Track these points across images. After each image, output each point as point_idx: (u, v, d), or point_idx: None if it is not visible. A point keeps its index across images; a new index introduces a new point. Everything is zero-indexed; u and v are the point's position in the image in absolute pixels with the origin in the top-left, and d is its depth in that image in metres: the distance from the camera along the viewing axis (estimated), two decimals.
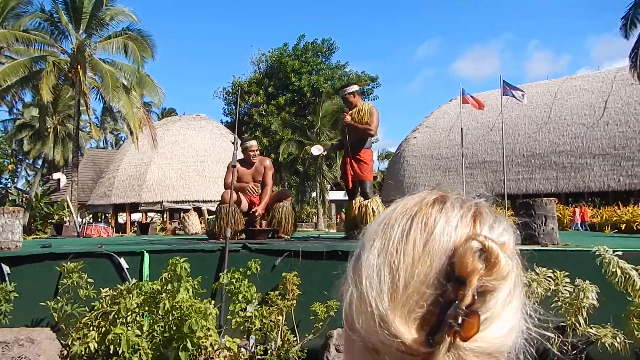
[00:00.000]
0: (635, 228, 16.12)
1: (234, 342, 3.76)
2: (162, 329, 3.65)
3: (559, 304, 3.86)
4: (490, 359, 0.42)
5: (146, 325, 3.74)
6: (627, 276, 3.71)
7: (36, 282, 4.63)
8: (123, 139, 40.15)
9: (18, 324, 4.33)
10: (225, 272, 4.23)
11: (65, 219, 16.78)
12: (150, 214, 27.65)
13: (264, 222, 6.36)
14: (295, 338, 4.16)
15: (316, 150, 6.40)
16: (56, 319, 4.20)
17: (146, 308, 3.83)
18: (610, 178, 22.26)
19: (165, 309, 3.59)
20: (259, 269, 4.21)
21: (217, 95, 38.14)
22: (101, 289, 4.14)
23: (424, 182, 25.95)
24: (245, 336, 4.04)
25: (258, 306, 4.04)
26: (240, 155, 6.55)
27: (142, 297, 3.81)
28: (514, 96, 13.94)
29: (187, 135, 25.95)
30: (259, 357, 4.02)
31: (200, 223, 14.19)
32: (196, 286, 3.89)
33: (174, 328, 3.56)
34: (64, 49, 19.44)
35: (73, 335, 3.88)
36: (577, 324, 3.80)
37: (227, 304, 4.17)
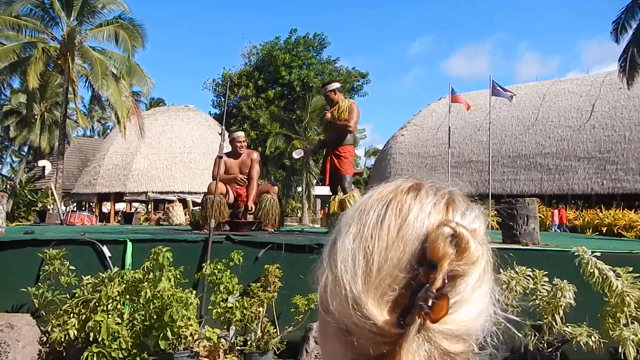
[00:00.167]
0: (616, 231, 16.40)
1: (214, 332, 3.77)
2: (143, 318, 3.64)
3: (537, 302, 3.93)
4: (459, 341, 0.44)
5: (127, 313, 3.73)
6: (605, 277, 3.78)
7: (18, 268, 4.59)
8: (110, 128, 39.75)
9: None
10: (208, 262, 4.23)
11: (48, 207, 16.58)
12: (135, 204, 27.43)
13: (249, 216, 6.35)
14: (275, 330, 4.18)
15: (296, 154, 6.49)
16: (37, 306, 4.17)
17: (127, 296, 3.82)
18: (594, 181, 22.58)
19: (147, 297, 3.58)
20: (241, 261, 4.22)
21: (207, 87, 37.87)
22: (83, 276, 4.13)
23: None
24: (225, 327, 4.05)
25: (239, 297, 4.05)
26: (228, 147, 6.53)
27: (124, 286, 3.80)
28: (503, 96, 14.04)
29: (175, 126, 25.76)
30: (239, 347, 4.03)
31: (185, 214, 14.13)
32: (178, 276, 3.89)
33: (155, 317, 3.56)
34: (54, 35, 19.16)
35: (53, 321, 3.86)
36: (554, 323, 3.87)
37: (208, 295, 4.17)
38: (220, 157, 5.71)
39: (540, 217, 7.56)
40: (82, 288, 4.03)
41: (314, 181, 26.07)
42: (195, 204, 16.24)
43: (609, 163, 22.39)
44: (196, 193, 21.73)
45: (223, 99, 34.60)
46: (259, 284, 4.25)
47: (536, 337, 3.93)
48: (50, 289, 4.16)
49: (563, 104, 25.34)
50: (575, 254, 3.97)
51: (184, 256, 4.45)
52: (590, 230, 16.86)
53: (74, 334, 3.72)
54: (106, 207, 27.21)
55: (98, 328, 3.55)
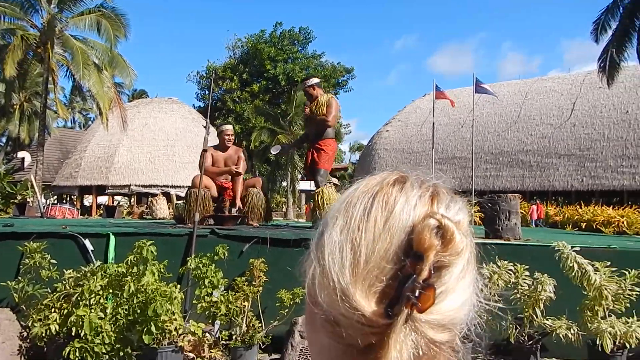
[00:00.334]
0: (595, 227, 16.72)
1: (198, 326, 3.75)
2: (126, 312, 3.61)
3: (518, 296, 4.00)
4: (444, 331, 0.44)
5: (110, 307, 3.69)
6: (584, 271, 3.87)
7: None
8: (92, 119, 39.10)
9: None
10: (192, 256, 4.20)
11: (28, 199, 16.25)
12: (118, 198, 27.08)
13: (233, 210, 6.33)
14: (260, 324, 4.18)
15: (274, 150, 6.51)
16: (17, 300, 4.10)
17: (110, 291, 3.78)
18: (574, 178, 23.00)
19: (130, 291, 3.55)
20: (226, 255, 4.20)
21: (191, 80, 37.48)
22: (64, 270, 4.06)
23: None
24: (210, 321, 4.03)
25: (224, 292, 4.03)
26: (215, 141, 6.49)
27: (107, 280, 3.75)
28: (486, 93, 14.17)
29: (158, 119, 25.44)
30: (224, 342, 4.03)
31: (169, 208, 14.00)
32: (162, 270, 3.85)
33: (138, 311, 3.53)
34: (33, 23, 18.72)
35: (34, 316, 3.80)
36: (535, 316, 3.94)
37: (193, 289, 4.15)
38: (205, 151, 5.67)
39: (521, 212, 7.68)
40: (64, 282, 3.97)
41: (299, 176, 26.05)
42: (179, 197, 16.10)
43: (589, 160, 22.82)
44: (180, 187, 21.53)
45: (207, 92, 34.29)
46: (244, 278, 4.24)
47: (517, 330, 4.00)
48: (30, 283, 4.09)
49: (545, 102, 25.71)
50: (556, 248, 4.05)
51: (168, 250, 4.42)
52: (570, 226, 17.16)
53: (55, 329, 3.66)
54: (88, 200, 26.80)
55: (80, 323, 3.51)
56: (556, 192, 23.58)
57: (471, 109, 18.06)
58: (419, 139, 28.05)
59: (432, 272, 0.42)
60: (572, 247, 4.06)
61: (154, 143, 24.29)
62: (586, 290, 3.90)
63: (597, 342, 3.73)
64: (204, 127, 5.64)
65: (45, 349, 3.87)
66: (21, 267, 4.27)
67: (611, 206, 18.67)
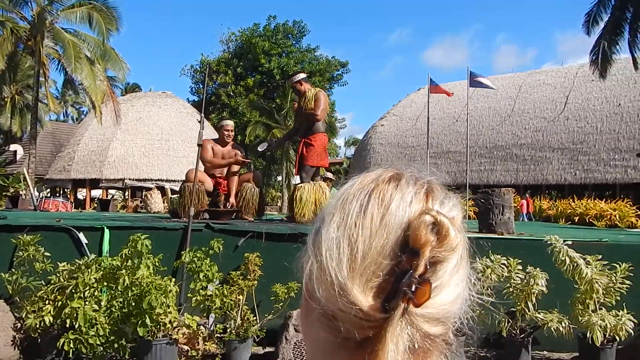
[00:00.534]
0: (587, 221, 16.87)
1: (193, 319, 3.77)
2: (121, 305, 3.62)
3: (511, 290, 4.04)
4: (438, 324, 0.46)
5: (104, 300, 3.70)
6: (575, 264, 3.91)
7: None
8: (85, 112, 38.85)
9: None
10: (187, 250, 4.21)
11: (21, 192, 16.17)
12: (111, 191, 26.98)
13: (228, 205, 6.33)
14: (255, 317, 4.20)
15: (261, 147, 6.52)
16: (10, 292, 4.10)
17: (105, 283, 3.78)
18: (567, 172, 23.14)
19: (125, 284, 3.56)
20: (221, 249, 4.21)
21: (185, 73, 37.23)
22: (58, 263, 4.06)
23: None
24: (205, 314, 4.05)
25: (219, 285, 4.05)
26: (209, 135, 6.49)
27: (101, 273, 3.75)
28: (482, 85, 14.16)
29: (152, 113, 25.32)
30: (218, 335, 4.05)
31: (163, 202, 13.98)
32: (157, 263, 3.86)
33: (133, 304, 3.54)
34: (23, 15, 18.51)
35: (28, 308, 3.80)
36: (527, 309, 3.99)
37: (187, 283, 4.16)
38: (200, 145, 5.66)
39: (515, 206, 7.75)
40: (58, 275, 3.97)
41: (294, 170, 26.00)
42: (173, 191, 16.07)
43: (582, 154, 22.96)
44: (174, 181, 21.47)
45: (202, 86, 34.15)
46: (238, 272, 4.26)
47: (509, 323, 4.05)
48: (24, 275, 4.09)
49: (538, 95, 25.80)
50: (548, 242, 4.09)
51: (162, 244, 4.42)
52: (563, 220, 17.30)
53: (49, 321, 3.67)
54: (81, 193, 26.69)
55: (75, 315, 3.51)
56: (550, 185, 23.73)
57: (466, 102, 18.09)
58: (414, 133, 28.09)
59: (428, 267, 0.43)
60: (564, 241, 4.10)
61: (148, 137, 24.19)
62: (577, 284, 3.94)
63: (588, 335, 3.78)
64: (199, 121, 5.63)
65: (39, 340, 3.88)
66: (15, 259, 4.27)
67: (604, 199, 18.82)
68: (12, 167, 26.47)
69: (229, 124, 6.50)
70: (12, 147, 30.29)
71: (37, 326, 3.69)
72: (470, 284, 0.49)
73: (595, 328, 3.72)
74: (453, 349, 0.50)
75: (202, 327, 3.96)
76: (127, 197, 23.92)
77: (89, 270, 3.77)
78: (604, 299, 3.92)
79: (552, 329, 3.88)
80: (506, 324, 4.02)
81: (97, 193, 25.88)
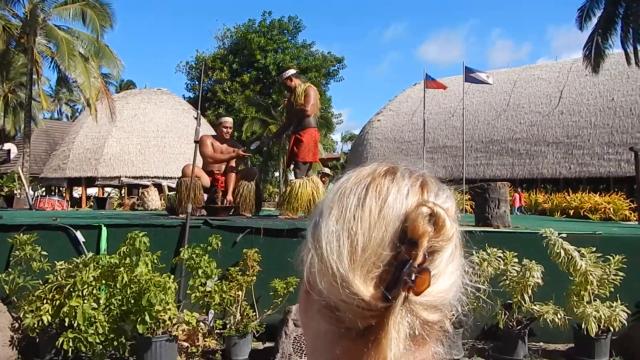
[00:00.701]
0: (582, 214, 16.97)
1: (193, 316, 3.78)
2: (120, 303, 3.63)
3: (507, 282, 4.08)
4: (436, 311, 0.47)
5: (103, 298, 3.70)
6: (570, 257, 3.95)
7: None
8: (79, 110, 38.64)
9: None
10: (185, 247, 4.22)
11: (15, 191, 16.09)
12: (108, 189, 26.88)
13: (225, 200, 6.33)
14: (254, 313, 4.22)
15: (253, 146, 6.52)
16: (7, 292, 4.09)
17: (103, 281, 3.79)
18: (562, 166, 23.23)
19: (124, 282, 3.56)
20: (219, 245, 4.22)
21: (180, 70, 37.10)
22: (56, 262, 4.06)
23: None
24: (204, 311, 4.07)
25: (218, 281, 4.06)
26: (205, 132, 6.50)
27: (99, 271, 3.76)
28: (477, 81, 14.17)
29: (148, 110, 25.18)
30: (218, 331, 4.06)
31: (160, 199, 13.96)
32: (155, 261, 3.87)
33: (132, 301, 3.55)
34: (15, 12, 18.36)
35: (25, 307, 3.80)
36: (523, 302, 4.03)
37: (186, 279, 4.17)
38: (196, 142, 5.66)
39: (510, 200, 7.80)
40: (56, 274, 3.97)
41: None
42: (170, 189, 16.04)
43: (576, 148, 23.05)
44: (171, 178, 21.39)
45: (197, 83, 34.00)
46: (237, 268, 4.27)
47: (506, 315, 4.09)
48: (21, 275, 4.08)
49: (533, 90, 25.86)
50: (543, 235, 4.13)
51: (160, 241, 4.42)
52: (559, 213, 17.40)
53: (47, 320, 3.67)
54: (77, 192, 26.57)
55: (73, 313, 3.52)
56: (545, 179, 23.83)
57: (461, 97, 18.12)
58: (410, 128, 28.11)
59: (426, 256, 0.45)
60: (559, 233, 4.14)
61: (144, 134, 24.08)
62: (572, 276, 3.99)
63: (583, 326, 3.82)
64: (195, 118, 5.63)
65: (37, 339, 3.88)
66: (11, 259, 4.26)
67: (598, 193, 18.92)
68: (6, 166, 26.36)
69: (228, 121, 6.50)
70: (6, 146, 30.10)
71: (35, 326, 3.69)
72: (464, 272, 0.51)
73: (590, 319, 3.77)
74: (449, 335, 0.51)
75: (201, 324, 3.98)
76: (123, 195, 23.83)
77: (87, 268, 3.77)
78: (598, 291, 3.96)
79: (547, 320, 3.93)
80: (503, 316, 4.06)
81: (93, 191, 25.77)
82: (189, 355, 3.93)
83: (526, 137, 24.50)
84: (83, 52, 18.67)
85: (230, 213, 6.15)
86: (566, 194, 19.37)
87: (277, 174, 27.81)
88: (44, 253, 4.19)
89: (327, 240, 0.49)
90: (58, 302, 3.73)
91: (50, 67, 19.98)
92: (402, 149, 27.56)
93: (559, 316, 3.92)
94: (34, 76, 18.74)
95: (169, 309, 3.61)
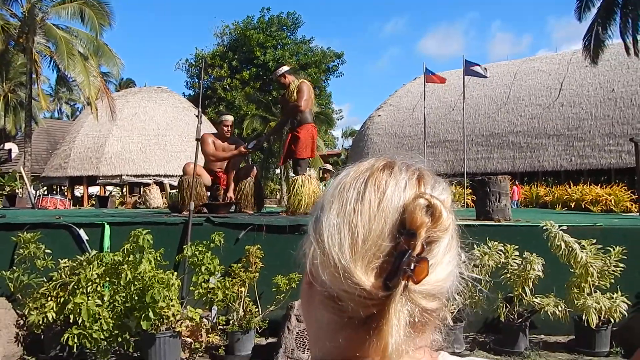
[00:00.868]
0: (583, 206, 16.97)
1: (196, 312, 3.81)
2: (124, 299, 3.66)
3: (508, 275, 4.10)
4: (434, 300, 0.50)
5: (107, 295, 3.73)
6: (570, 249, 3.97)
7: None
8: (79, 109, 38.64)
9: None
10: (188, 244, 4.24)
11: (17, 191, 16.13)
12: (109, 188, 26.93)
13: (227, 197, 6.35)
14: (257, 309, 4.25)
15: (250, 145, 6.51)
16: (12, 289, 4.13)
17: (107, 279, 3.82)
18: (563, 158, 23.20)
19: (127, 279, 3.59)
20: (222, 242, 4.25)
21: (179, 68, 37.07)
22: (59, 260, 4.09)
23: None
24: (207, 307, 4.09)
25: (221, 278, 4.09)
26: (206, 130, 6.51)
27: (103, 268, 3.79)
28: (477, 74, 14.17)
29: (148, 108, 25.19)
30: (221, 327, 4.09)
31: (162, 197, 13.99)
32: (158, 258, 3.90)
33: (136, 298, 3.58)
34: (13, 12, 18.34)
35: (30, 305, 3.84)
36: (524, 294, 4.05)
37: (189, 276, 4.20)
38: (198, 140, 5.67)
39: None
40: (60, 271, 4.01)
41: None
42: (172, 187, 16.07)
43: (577, 140, 23.01)
44: (172, 176, 21.42)
45: (197, 80, 33.96)
46: (240, 265, 4.30)
47: (507, 308, 4.11)
48: (25, 273, 4.12)
49: (533, 82, 25.78)
50: (544, 228, 4.15)
51: (163, 239, 4.45)
52: (560, 206, 17.40)
53: (52, 317, 3.71)
54: (78, 190, 26.62)
55: (78, 310, 3.55)
56: (546, 172, 23.81)
57: (461, 91, 18.09)
58: (411, 122, 28.07)
59: (425, 246, 0.47)
60: (559, 226, 4.16)
61: (145, 132, 24.09)
62: (573, 268, 4.00)
63: (583, 318, 3.85)
64: (196, 116, 5.64)
65: (42, 336, 3.92)
66: (15, 257, 4.29)
67: (599, 185, 18.91)
68: (8, 166, 26.39)
69: (229, 118, 6.50)
70: (7, 145, 30.11)
71: (40, 322, 3.72)
72: (460, 261, 0.53)
73: (591, 311, 3.79)
74: (447, 324, 0.54)
75: (204, 320, 4.00)
76: (125, 194, 23.88)
77: (91, 266, 3.80)
78: (598, 282, 3.99)
79: (548, 313, 3.95)
80: (504, 309, 4.08)
81: (94, 190, 25.82)
82: (193, 351, 3.96)
83: (527, 129, 24.45)
84: (82, 51, 18.65)
85: (231, 210, 6.17)
86: (567, 186, 19.37)
87: (278, 171, 27.80)
88: (48, 251, 4.23)
89: (329, 233, 0.51)
90: (62, 299, 3.77)
91: (49, 66, 20.00)
92: (403, 144, 27.54)
93: (559, 308, 3.94)
94: (34, 76, 18.74)
95: (173, 306, 3.65)
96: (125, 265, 3.69)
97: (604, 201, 17.11)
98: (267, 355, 3.94)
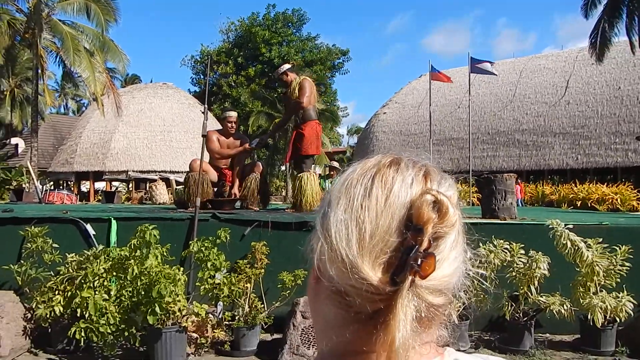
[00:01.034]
0: (589, 205, 16.88)
1: (202, 307, 3.83)
2: (130, 294, 3.68)
3: (514, 274, 4.09)
4: (441, 295, 0.50)
5: (114, 290, 3.76)
6: (576, 248, 3.95)
7: None
8: (85, 105, 38.80)
9: None
10: (194, 240, 4.26)
11: (24, 185, 16.24)
12: (115, 183, 27.05)
13: (232, 193, 6.37)
14: (262, 305, 4.27)
15: (253, 143, 6.51)
16: (20, 283, 4.17)
17: (114, 273, 3.85)
18: (569, 156, 23.08)
19: (134, 274, 3.62)
20: (228, 238, 4.26)
21: (185, 64, 37.14)
22: (67, 254, 4.12)
23: None
24: (213, 302, 4.11)
25: (227, 274, 4.11)
26: (211, 126, 6.52)
27: (110, 263, 3.82)
28: (483, 71, 14.09)
29: (154, 104, 25.27)
30: (227, 322, 4.11)
31: (168, 193, 14.03)
32: (165, 253, 3.92)
33: (142, 293, 3.60)
34: (19, 7, 18.40)
35: (38, 298, 3.88)
36: (529, 293, 4.04)
37: (195, 272, 4.22)
38: (204, 136, 5.68)
39: None
40: (67, 265, 4.04)
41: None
42: (178, 183, 16.11)
43: (583, 138, 22.88)
44: (178, 172, 21.50)
45: (202, 77, 34.00)
46: (246, 261, 4.31)
47: (512, 307, 4.11)
48: (33, 267, 4.15)
49: (539, 80, 25.64)
50: (550, 227, 4.13)
51: (169, 234, 4.47)
52: (566, 205, 17.31)
53: (59, 311, 3.74)
54: (85, 186, 26.77)
55: (85, 304, 3.59)
56: (552, 170, 23.68)
57: (467, 89, 18.02)
58: (416, 120, 27.99)
59: (431, 242, 0.48)
60: (565, 224, 4.14)
61: (150, 128, 24.18)
62: (579, 267, 3.99)
63: (589, 317, 3.84)
64: (202, 112, 5.65)
65: (49, 329, 3.96)
66: (23, 251, 4.33)
67: (605, 183, 18.80)
68: (14, 161, 26.55)
69: (232, 115, 6.51)
70: (13, 140, 30.31)
71: (48, 316, 3.76)
72: (466, 258, 0.53)
73: (596, 310, 3.78)
74: (453, 321, 0.54)
75: (210, 315, 4.03)
76: (131, 189, 23.98)
77: (98, 260, 3.83)
78: (604, 281, 3.97)
79: (554, 311, 3.94)
80: (509, 307, 4.08)
81: (100, 185, 25.95)
82: (198, 346, 3.98)
83: (533, 128, 24.33)
84: (88, 46, 18.71)
85: (236, 206, 6.19)
86: (573, 185, 19.27)
87: (283, 167, 27.81)
88: (55, 245, 4.26)
89: (337, 229, 0.51)
90: (70, 293, 3.80)
91: (55, 62, 20.08)
92: (408, 142, 27.48)
93: (565, 307, 3.93)
94: (39, 71, 18.82)
95: (179, 301, 3.67)
96: (132, 260, 3.71)
97: (610, 200, 17.01)
98: (272, 351, 3.96)
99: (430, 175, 0.53)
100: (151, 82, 30.48)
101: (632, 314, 3.92)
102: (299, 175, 6.00)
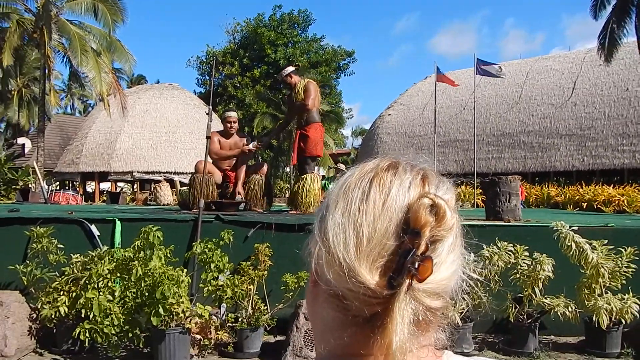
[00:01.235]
0: (595, 206, 16.76)
1: (205, 309, 3.84)
2: (134, 295, 3.70)
3: (518, 276, 4.08)
4: (438, 298, 0.50)
5: (118, 290, 3.78)
6: (581, 250, 3.93)
7: (4, 246, 4.59)
8: (92, 105, 39.00)
9: None
10: (198, 241, 4.27)
11: (30, 185, 16.34)
12: (120, 184, 27.17)
13: (238, 197, 6.37)
14: (265, 307, 4.27)
15: (252, 146, 6.52)
16: (25, 283, 4.19)
17: (118, 274, 3.86)
18: (575, 158, 22.94)
19: (138, 275, 3.63)
20: (231, 240, 4.27)
21: (191, 65, 37.24)
22: (71, 255, 4.14)
23: None
24: (216, 304, 4.12)
25: (230, 276, 4.11)
26: (216, 127, 6.53)
27: (114, 264, 3.83)
28: (489, 74, 14.03)
29: (160, 105, 25.35)
30: (230, 324, 4.12)
31: (173, 194, 14.07)
32: (169, 254, 3.93)
33: (146, 294, 3.61)
34: (28, 7, 18.53)
35: (43, 299, 3.90)
36: (534, 295, 4.02)
37: (199, 273, 4.23)
38: (208, 137, 5.70)
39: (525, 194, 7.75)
40: (72, 266, 4.06)
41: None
42: (182, 184, 16.16)
43: (589, 140, 22.74)
44: (183, 173, 21.57)
45: (208, 78, 34.09)
46: (249, 263, 4.32)
47: (517, 309, 4.09)
48: (38, 267, 4.18)
49: (546, 81, 25.51)
50: (554, 228, 4.11)
51: (173, 236, 4.49)
52: (572, 206, 17.20)
53: (64, 311, 3.77)
54: (90, 186, 26.91)
55: (89, 305, 3.60)
56: (558, 172, 23.55)
57: (473, 90, 17.97)
58: (421, 122, 27.91)
59: (429, 245, 0.48)
60: (570, 226, 4.12)
61: (156, 129, 24.25)
62: (584, 269, 3.97)
63: (594, 319, 3.82)
64: (207, 113, 5.67)
65: (54, 330, 3.98)
66: (28, 251, 4.36)
67: (612, 185, 18.68)
68: (21, 161, 26.73)
69: (232, 115, 6.50)
70: (20, 140, 30.51)
71: (53, 316, 3.78)
72: (464, 261, 0.53)
73: (601, 312, 3.76)
74: (451, 323, 0.54)
75: (214, 317, 4.04)
76: (135, 190, 24.08)
77: (102, 261, 3.85)
78: (609, 283, 3.95)
79: (558, 313, 3.92)
80: (513, 309, 4.06)
81: (105, 186, 26.07)
82: (202, 347, 3.99)
83: (539, 129, 24.21)
84: (95, 47, 18.81)
85: (241, 208, 6.19)
86: (579, 186, 19.15)
87: (287, 169, 27.84)
88: (60, 246, 4.29)
89: (334, 233, 0.51)
90: (74, 293, 3.83)
91: (62, 62, 20.20)
92: (413, 144, 27.42)
93: (569, 309, 3.91)
94: (47, 71, 18.94)
95: (182, 302, 3.68)
96: (136, 262, 3.73)
97: (617, 202, 16.88)
98: (275, 353, 3.96)
99: (427, 179, 0.53)
100: (157, 82, 30.61)
101: (638, 315, 3.89)
102: (302, 176, 6.03)
